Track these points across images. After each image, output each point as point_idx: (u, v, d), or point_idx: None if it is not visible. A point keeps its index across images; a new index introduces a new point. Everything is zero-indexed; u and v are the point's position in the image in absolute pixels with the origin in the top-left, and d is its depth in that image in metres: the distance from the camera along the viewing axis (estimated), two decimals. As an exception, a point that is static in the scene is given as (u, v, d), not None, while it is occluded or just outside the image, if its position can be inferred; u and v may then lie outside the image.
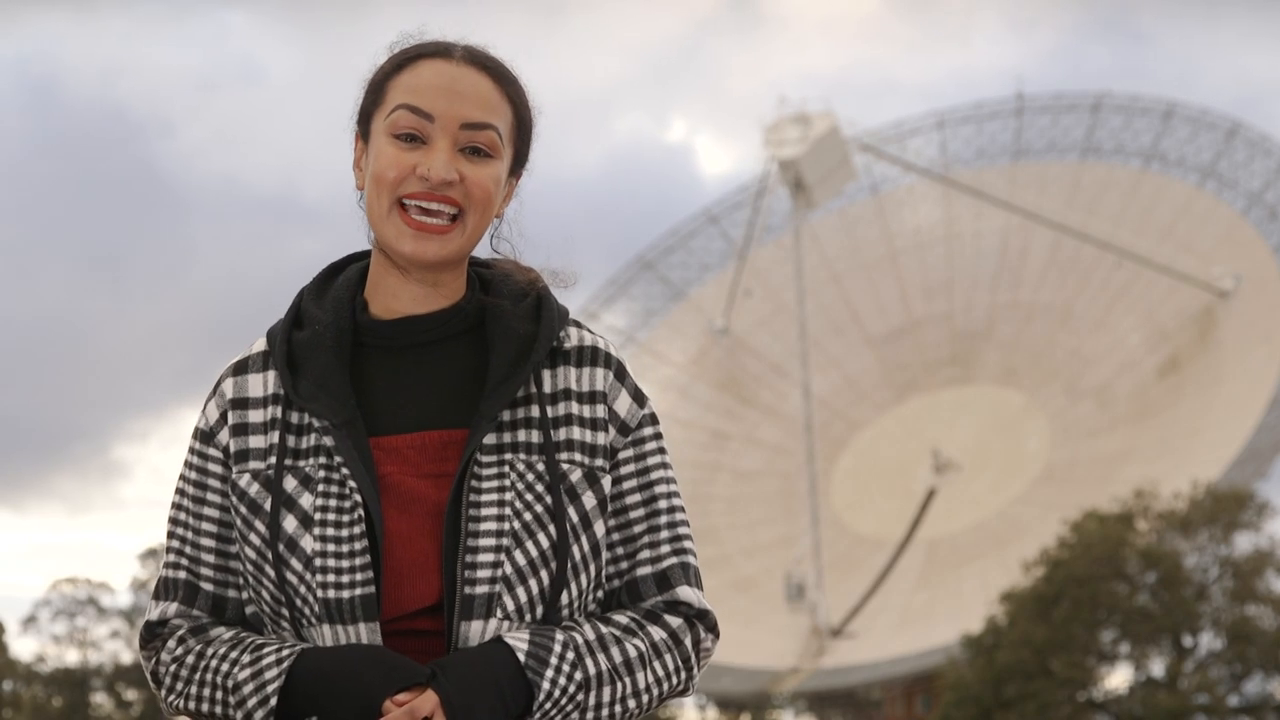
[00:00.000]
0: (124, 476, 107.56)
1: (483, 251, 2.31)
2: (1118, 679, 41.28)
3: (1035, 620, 38.80)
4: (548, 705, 2.09)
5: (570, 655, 2.11)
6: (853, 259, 61.13)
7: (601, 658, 2.13)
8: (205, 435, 2.24)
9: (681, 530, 2.26)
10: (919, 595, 53.47)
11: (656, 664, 2.18)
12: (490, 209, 2.18)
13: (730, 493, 58.36)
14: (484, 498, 2.13)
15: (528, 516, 2.13)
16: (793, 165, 53.06)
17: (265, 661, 2.12)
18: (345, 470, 2.13)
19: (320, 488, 2.14)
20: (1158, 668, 39.92)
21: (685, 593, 2.22)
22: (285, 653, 2.12)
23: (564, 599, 2.15)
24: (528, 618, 2.12)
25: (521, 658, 2.07)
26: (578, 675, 2.11)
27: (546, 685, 2.08)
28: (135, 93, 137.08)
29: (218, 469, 2.23)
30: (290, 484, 2.15)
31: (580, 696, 2.11)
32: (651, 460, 2.25)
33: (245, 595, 2.22)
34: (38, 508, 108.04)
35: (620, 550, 2.23)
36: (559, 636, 2.11)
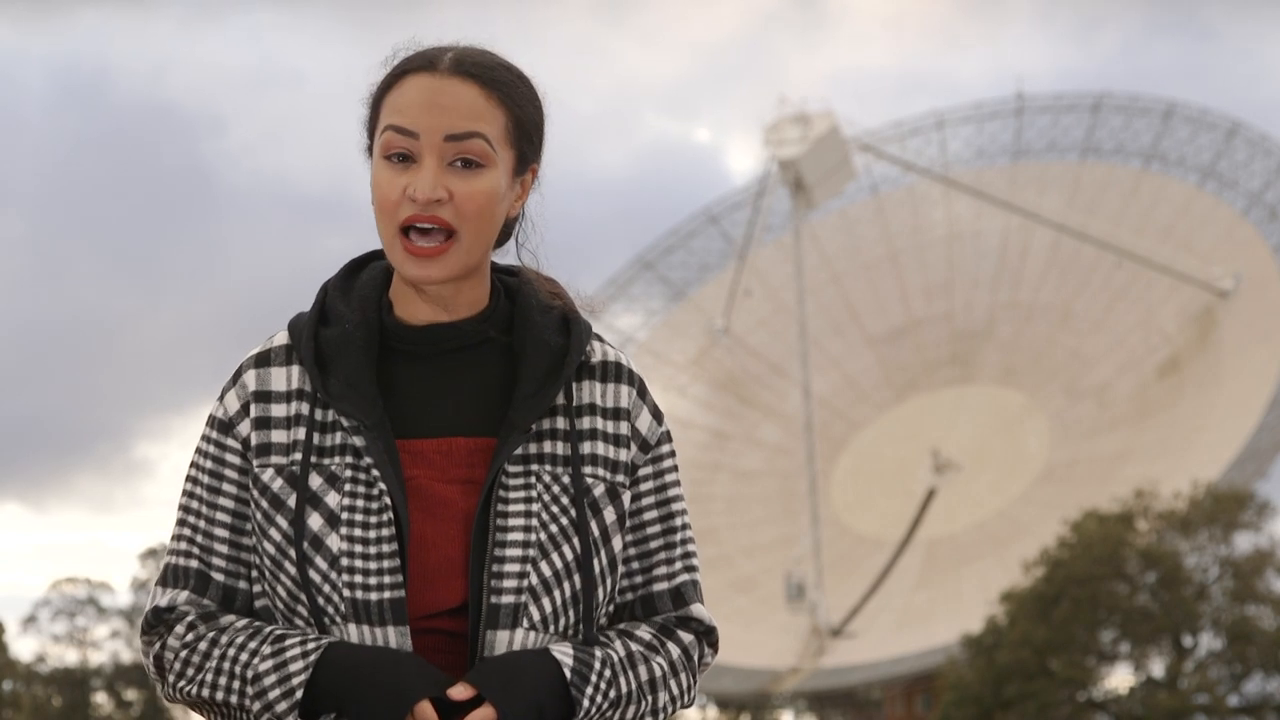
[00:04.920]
0: (147, 476, 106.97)
1: (509, 257, 2.31)
2: (1118, 679, 41.34)
3: (1035, 620, 38.82)
4: None
5: (607, 674, 2.15)
6: (853, 259, 61.13)
7: (631, 676, 2.18)
8: (224, 425, 2.22)
9: (691, 547, 2.30)
10: (919, 595, 53.50)
11: (673, 682, 2.23)
12: (486, 220, 2.17)
13: (730, 493, 58.37)
14: (511, 508, 2.15)
15: (554, 528, 2.15)
16: (793, 165, 53.10)
17: (290, 654, 2.11)
18: (375, 472, 2.13)
19: (347, 487, 2.14)
20: (1158, 668, 39.96)
21: (698, 609, 2.27)
22: (310, 645, 2.11)
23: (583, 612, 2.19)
24: (551, 629, 2.15)
25: (567, 674, 2.12)
26: (611, 693, 2.15)
27: (586, 702, 2.13)
28: (184, 91, 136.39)
29: (236, 459, 2.21)
30: (315, 481, 2.15)
31: (610, 714, 2.16)
32: (669, 478, 2.29)
33: (258, 589, 2.21)
34: (59, 507, 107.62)
35: (636, 565, 2.26)
36: (598, 654, 2.16)
